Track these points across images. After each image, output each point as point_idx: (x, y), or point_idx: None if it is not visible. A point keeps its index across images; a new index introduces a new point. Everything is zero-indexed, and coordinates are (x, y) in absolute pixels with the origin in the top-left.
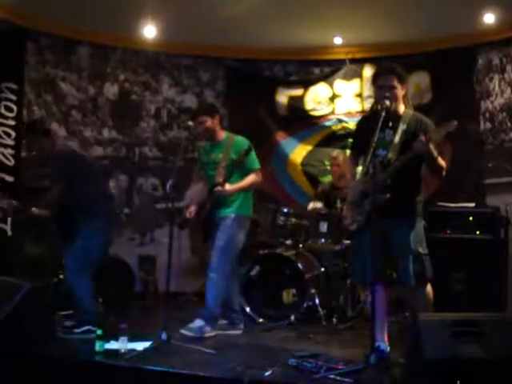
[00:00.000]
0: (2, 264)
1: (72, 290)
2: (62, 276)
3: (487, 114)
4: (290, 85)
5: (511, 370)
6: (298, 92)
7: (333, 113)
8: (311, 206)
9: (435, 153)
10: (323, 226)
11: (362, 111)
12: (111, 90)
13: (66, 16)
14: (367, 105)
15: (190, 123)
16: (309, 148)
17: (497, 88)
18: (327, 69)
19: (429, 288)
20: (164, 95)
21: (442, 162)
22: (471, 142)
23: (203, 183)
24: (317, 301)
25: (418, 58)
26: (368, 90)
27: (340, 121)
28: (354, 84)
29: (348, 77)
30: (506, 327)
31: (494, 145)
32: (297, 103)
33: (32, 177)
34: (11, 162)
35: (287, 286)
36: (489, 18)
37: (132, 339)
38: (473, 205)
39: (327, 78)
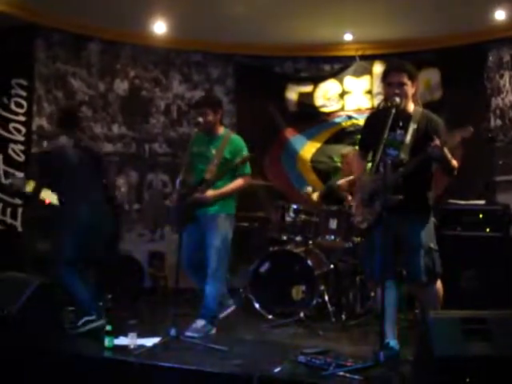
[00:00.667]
0: (11, 260)
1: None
2: None
3: (498, 111)
4: (300, 81)
5: None
6: (307, 88)
7: (342, 109)
8: (309, 189)
9: (449, 156)
10: (333, 223)
11: (372, 108)
12: (121, 86)
13: (76, 12)
14: (377, 101)
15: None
16: (318, 145)
17: (507, 85)
18: (337, 65)
19: (439, 284)
20: (174, 91)
21: (454, 162)
22: (481, 139)
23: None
24: (326, 297)
25: (428, 54)
26: (378, 87)
27: (350, 117)
28: (364, 80)
29: (358, 73)
30: None
31: (505, 142)
32: (307, 100)
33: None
34: (21, 158)
35: (297, 283)
36: (500, 15)
37: (141, 335)
38: (483, 202)
39: (337, 74)
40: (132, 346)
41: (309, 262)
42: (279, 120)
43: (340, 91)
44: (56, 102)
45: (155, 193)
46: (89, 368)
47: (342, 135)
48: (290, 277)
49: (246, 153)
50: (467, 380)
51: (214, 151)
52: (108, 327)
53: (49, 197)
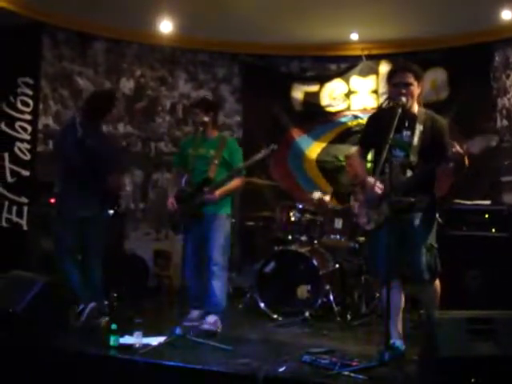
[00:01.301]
0: (17, 258)
1: None
2: None
3: (504, 111)
4: (306, 81)
5: None
6: (313, 88)
7: (348, 109)
8: (317, 195)
9: (467, 160)
10: (338, 223)
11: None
12: (127, 85)
13: (82, 10)
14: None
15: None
16: (323, 144)
17: None
18: (343, 65)
19: (437, 282)
20: (180, 91)
21: (467, 162)
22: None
23: (176, 173)
24: (331, 297)
25: (434, 54)
26: (384, 87)
27: (355, 117)
28: (370, 80)
29: (364, 73)
30: None
31: (511, 142)
32: (312, 99)
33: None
34: (27, 157)
35: (302, 282)
36: (506, 15)
37: (147, 334)
38: (488, 202)
39: (343, 74)
40: (137, 345)
41: (314, 262)
42: (285, 119)
43: (346, 91)
44: (62, 101)
45: (161, 192)
46: (94, 367)
47: (347, 135)
48: (295, 276)
49: (241, 156)
50: (472, 380)
51: (211, 151)
52: (113, 326)
53: None
